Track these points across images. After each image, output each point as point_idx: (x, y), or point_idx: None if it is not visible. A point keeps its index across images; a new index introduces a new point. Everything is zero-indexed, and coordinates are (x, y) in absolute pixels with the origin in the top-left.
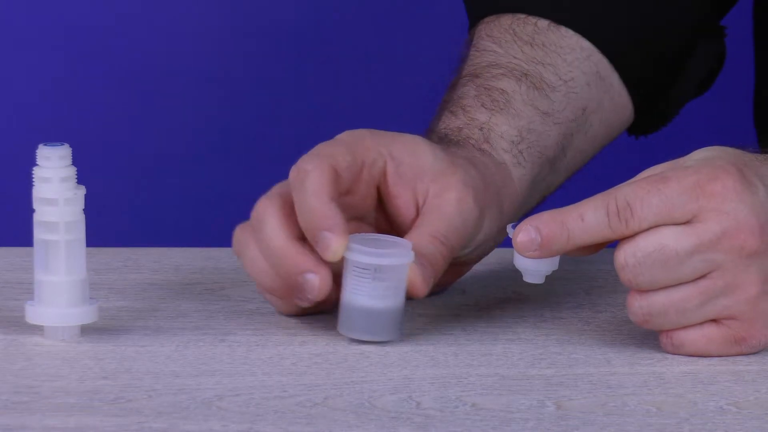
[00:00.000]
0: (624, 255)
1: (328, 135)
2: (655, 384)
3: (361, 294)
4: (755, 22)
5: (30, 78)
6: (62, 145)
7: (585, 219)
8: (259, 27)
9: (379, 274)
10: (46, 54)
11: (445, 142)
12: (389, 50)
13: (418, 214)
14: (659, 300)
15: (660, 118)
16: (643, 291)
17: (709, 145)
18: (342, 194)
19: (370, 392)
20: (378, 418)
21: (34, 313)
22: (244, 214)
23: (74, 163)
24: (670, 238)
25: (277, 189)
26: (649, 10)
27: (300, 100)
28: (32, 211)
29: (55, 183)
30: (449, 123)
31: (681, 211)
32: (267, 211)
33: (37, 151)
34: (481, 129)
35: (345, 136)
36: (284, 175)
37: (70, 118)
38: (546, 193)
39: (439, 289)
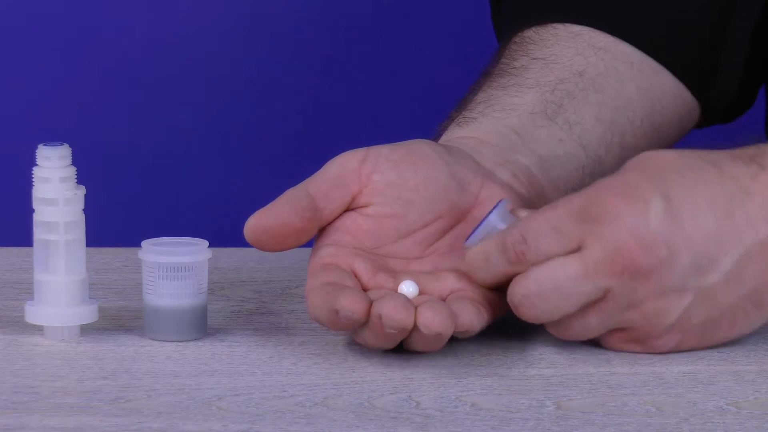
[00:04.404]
0: (519, 291)
1: (327, 135)
2: (655, 384)
3: (152, 293)
4: None
5: (30, 78)
6: (62, 145)
7: (489, 260)
8: (259, 27)
9: (166, 272)
10: (46, 54)
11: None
12: (389, 50)
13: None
14: (561, 323)
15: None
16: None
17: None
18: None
19: (369, 392)
20: (378, 418)
21: (34, 313)
22: (243, 214)
23: (74, 163)
24: (559, 269)
25: None
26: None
27: (300, 100)
28: (32, 211)
29: (54, 183)
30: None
31: (567, 239)
32: None
33: (36, 151)
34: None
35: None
36: (284, 175)
37: (70, 118)
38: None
39: None
